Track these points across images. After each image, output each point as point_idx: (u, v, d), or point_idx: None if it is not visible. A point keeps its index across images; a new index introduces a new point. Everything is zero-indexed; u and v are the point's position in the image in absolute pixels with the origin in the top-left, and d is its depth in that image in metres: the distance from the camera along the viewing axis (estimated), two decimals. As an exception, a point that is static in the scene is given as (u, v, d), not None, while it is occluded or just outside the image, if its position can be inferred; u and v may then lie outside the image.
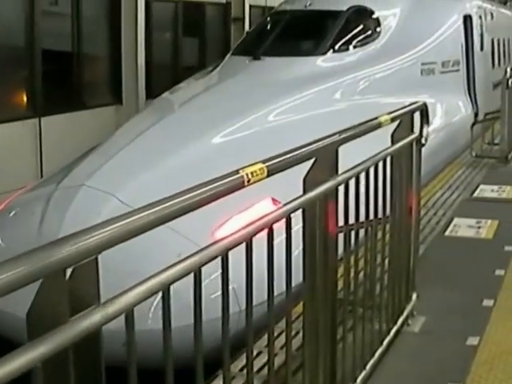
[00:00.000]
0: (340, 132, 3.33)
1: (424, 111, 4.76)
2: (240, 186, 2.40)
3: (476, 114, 12.06)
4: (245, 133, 7.49)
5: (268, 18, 11.04)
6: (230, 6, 16.36)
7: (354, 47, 10.03)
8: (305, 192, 3.14)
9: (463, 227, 6.55)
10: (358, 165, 3.52)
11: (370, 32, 10.48)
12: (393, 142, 4.30)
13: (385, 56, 10.25)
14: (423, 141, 4.65)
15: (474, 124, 9.75)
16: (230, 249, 2.33)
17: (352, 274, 3.64)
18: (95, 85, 12.94)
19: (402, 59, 10.45)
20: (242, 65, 9.42)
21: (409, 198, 4.51)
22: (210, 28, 16.02)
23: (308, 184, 3.18)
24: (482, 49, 13.08)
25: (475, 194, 7.84)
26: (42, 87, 11.19)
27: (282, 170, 2.80)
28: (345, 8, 10.41)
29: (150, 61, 13.83)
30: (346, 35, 10.04)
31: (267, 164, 2.56)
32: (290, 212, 2.84)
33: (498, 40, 14.71)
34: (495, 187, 8.10)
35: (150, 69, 13.79)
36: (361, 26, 10.45)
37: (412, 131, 4.51)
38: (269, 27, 10.56)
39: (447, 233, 6.39)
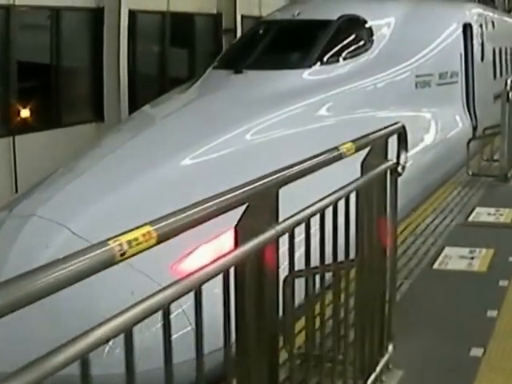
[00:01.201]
0: (282, 169, 2.71)
1: (402, 134, 4.14)
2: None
3: (475, 129, 11.45)
4: (217, 155, 6.89)
5: (253, 29, 10.44)
6: (221, 16, 15.80)
7: (345, 59, 9.43)
8: (236, 244, 2.54)
9: (454, 258, 5.92)
10: (308, 207, 2.91)
11: (361, 42, 9.89)
12: (362, 173, 3.70)
13: (377, 68, 9.66)
14: (400, 170, 4.02)
15: (470, 140, 9.13)
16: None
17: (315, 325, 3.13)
18: (74, 100, 12.36)
19: (395, 71, 9.86)
20: (221, 79, 8.83)
21: (382, 236, 3.89)
22: (200, 39, 15.48)
23: (241, 234, 2.59)
24: (482, 59, 12.47)
25: (470, 218, 7.22)
26: (16, 103, 10.62)
27: (197, 225, 2.20)
28: (335, 17, 9.83)
29: (134, 75, 13.30)
30: (336, 46, 9.46)
31: (157, 227, 1.94)
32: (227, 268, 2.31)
33: (500, 49, 14.08)
34: (492, 210, 7.48)
35: (135, 83, 13.23)
36: (352, 36, 9.87)
37: (386, 158, 3.90)
38: (254, 38, 9.96)
39: (436, 265, 5.77)
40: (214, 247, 5.18)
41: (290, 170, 2.65)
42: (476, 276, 5.52)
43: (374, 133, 3.80)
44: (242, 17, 16.16)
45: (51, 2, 11.83)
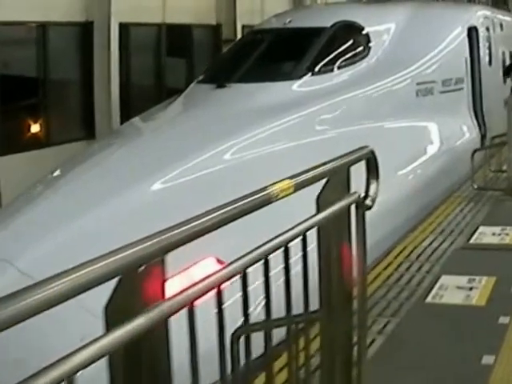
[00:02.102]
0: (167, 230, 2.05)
1: (371, 160, 3.52)
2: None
3: (484, 137, 10.82)
4: (185, 179, 6.31)
5: (242, 40, 9.87)
6: (221, 27, 15.26)
7: (339, 68, 8.85)
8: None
9: (451, 289, 5.31)
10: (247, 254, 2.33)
11: (357, 50, 9.31)
12: (318, 209, 3.12)
13: (374, 77, 9.07)
14: (369, 202, 3.42)
15: (475, 151, 8.49)
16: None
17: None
18: (63, 118, 11.86)
19: (393, 79, 9.26)
20: (202, 95, 8.27)
21: (348, 281, 3.31)
22: (199, 52, 14.93)
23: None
24: (490, 63, 11.84)
25: (472, 240, 6.60)
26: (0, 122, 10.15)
27: None
28: (329, 24, 9.25)
29: (128, 90, 12.78)
30: (329, 55, 8.88)
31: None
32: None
33: (511, 53, 13.44)
34: (498, 229, 6.85)
35: (129, 99, 12.71)
36: (347, 44, 9.29)
37: (348, 191, 3.31)
38: (242, 49, 9.41)
39: (429, 298, 5.15)
40: (185, 279, 4.66)
41: (178, 231, 2.02)
42: (474, 311, 4.91)
43: (332, 161, 3.22)
44: (243, 27, 15.58)
45: (38, 17, 11.37)
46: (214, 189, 5.80)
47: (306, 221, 2.90)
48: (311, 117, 7.90)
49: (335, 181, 3.22)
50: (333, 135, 7.84)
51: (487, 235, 6.72)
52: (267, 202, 2.49)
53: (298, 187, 2.74)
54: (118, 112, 12.27)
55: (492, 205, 7.96)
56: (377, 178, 3.51)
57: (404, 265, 5.93)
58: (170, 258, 1.99)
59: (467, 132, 10.48)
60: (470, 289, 5.29)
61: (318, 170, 3.05)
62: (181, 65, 14.70)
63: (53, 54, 11.50)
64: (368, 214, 3.37)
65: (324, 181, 3.16)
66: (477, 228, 6.98)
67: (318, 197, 3.14)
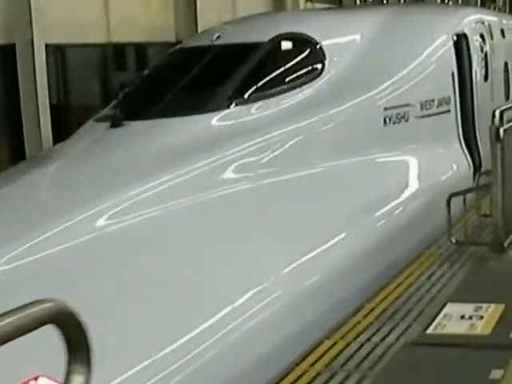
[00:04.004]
0: None
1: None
2: None
3: (478, 170, 8.78)
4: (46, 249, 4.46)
5: (158, 63, 7.86)
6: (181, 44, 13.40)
7: (278, 94, 6.88)
8: None
9: None
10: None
11: (305, 70, 7.36)
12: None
13: (326, 103, 7.11)
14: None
15: (451, 196, 6.43)
16: None
17: None
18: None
19: (352, 105, 7.27)
20: (91, 137, 6.36)
21: None
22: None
23: None
24: (486, 78, 9.80)
25: (431, 328, 4.60)
26: None
27: None
28: (267, 38, 7.30)
29: (65, 116, 11.07)
30: (265, 77, 6.93)
31: None
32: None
33: (515, 63, 11.35)
34: (470, 309, 4.89)
35: (66, 125, 10.95)
36: (291, 63, 7.34)
37: None
38: (155, 75, 7.47)
39: None
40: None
41: None
42: None
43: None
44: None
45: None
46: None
47: None
48: (230, 162, 5.92)
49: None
50: (258, 186, 5.89)
51: (454, 319, 4.73)
52: None
53: None
54: (51, 141, 10.57)
55: (472, 266, 5.98)
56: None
57: (324, 375, 3.95)
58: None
59: (454, 165, 8.45)
60: None
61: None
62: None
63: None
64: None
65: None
66: (443, 306, 5.01)
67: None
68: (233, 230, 5.40)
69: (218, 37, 7.41)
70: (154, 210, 5.08)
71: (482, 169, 8.76)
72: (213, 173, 5.72)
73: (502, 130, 6.07)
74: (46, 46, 10.59)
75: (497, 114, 6.10)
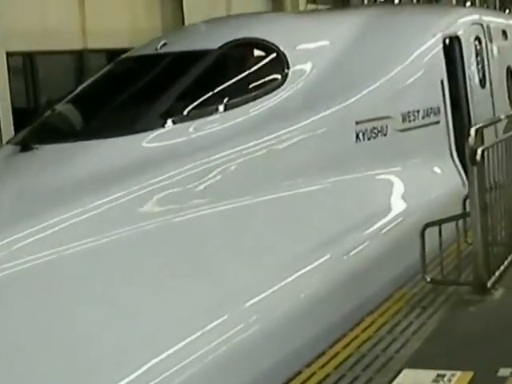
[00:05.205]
0: None
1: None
2: None
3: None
4: None
5: (97, 75, 6.91)
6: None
7: (226, 109, 5.94)
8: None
9: None
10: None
11: (263, 80, 6.43)
12: None
13: (285, 118, 6.17)
14: None
15: (426, 226, 5.42)
16: None
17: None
18: None
19: (318, 119, 6.32)
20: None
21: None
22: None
23: None
24: (483, 84, 8.79)
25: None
26: None
27: None
28: (217, 45, 6.37)
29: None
30: (209, 91, 6.00)
31: None
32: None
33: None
34: (430, 377, 3.96)
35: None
36: (245, 72, 6.41)
37: None
38: (87, 90, 6.55)
39: None
40: None
41: None
42: None
43: None
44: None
45: None
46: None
47: None
48: (154, 191, 4.98)
49: None
50: (186, 221, 4.95)
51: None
52: None
53: None
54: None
55: (446, 313, 5.02)
56: None
57: None
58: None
59: (444, 184, 7.45)
60: None
61: None
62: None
63: None
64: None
65: None
66: (397, 374, 4.05)
67: None
68: (153, 274, 4.49)
69: (164, 44, 6.50)
70: (37, 258, 4.16)
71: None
72: (132, 205, 4.79)
73: (479, 151, 5.09)
74: (8, 53, 9.85)
75: (472, 132, 5.11)
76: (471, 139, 5.05)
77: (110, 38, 11.87)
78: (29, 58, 10.70)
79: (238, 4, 15.17)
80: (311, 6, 16.76)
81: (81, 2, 11.44)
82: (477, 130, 5.15)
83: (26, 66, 10.80)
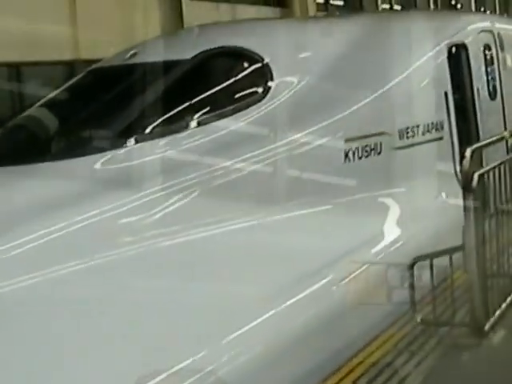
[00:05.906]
0: None
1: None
2: None
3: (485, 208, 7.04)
4: None
5: (60, 89, 6.33)
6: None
7: (197, 126, 5.35)
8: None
9: None
10: None
11: (242, 93, 5.81)
12: None
13: (265, 136, 5.56)
14: None
15: (415, 262, 4.79)
16: None
17: None
18: None
19: (301, 136, 5.69)
20: None
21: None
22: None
23: None
24: (493, 96, 8.12)
25: None
26: None
27: None
28: (190, 55, 5.77)
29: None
30: (176, 106, 5.40)
31: None
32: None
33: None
34: None
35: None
36: (222, 85, 5.80)
37: None
38: (46, 105, 5.96)
39: None
40: None
41: None
42: None
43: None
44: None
45: None
46: None
47: None
48: (101, 221, 4.39)
49: None
50: (138, 256, 4.35)
51: None
52: None
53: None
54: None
55: (436, 360, 4.39)
56: None
57: None
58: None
59: (448, 208, 6.75)
60: None
61: None
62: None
63: None
64: None
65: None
66: None
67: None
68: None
69: (134, 54, 5.92)
70: None
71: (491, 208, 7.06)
72: (73, 238, 4.21)
73: (476, 176, 4.45)
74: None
75: (467, 153, 4.46)
76: (466, 162, 4.41)
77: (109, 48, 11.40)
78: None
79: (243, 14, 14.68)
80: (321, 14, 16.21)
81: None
82: (473, 151, 4.50)
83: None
